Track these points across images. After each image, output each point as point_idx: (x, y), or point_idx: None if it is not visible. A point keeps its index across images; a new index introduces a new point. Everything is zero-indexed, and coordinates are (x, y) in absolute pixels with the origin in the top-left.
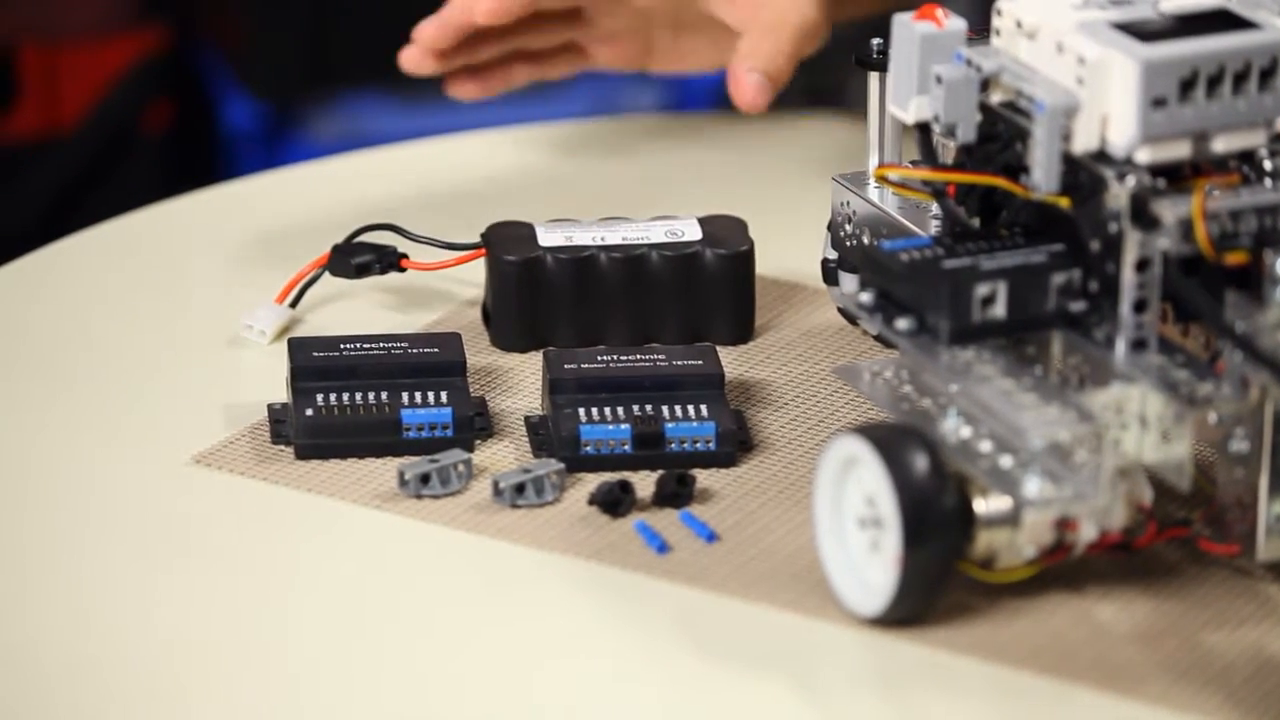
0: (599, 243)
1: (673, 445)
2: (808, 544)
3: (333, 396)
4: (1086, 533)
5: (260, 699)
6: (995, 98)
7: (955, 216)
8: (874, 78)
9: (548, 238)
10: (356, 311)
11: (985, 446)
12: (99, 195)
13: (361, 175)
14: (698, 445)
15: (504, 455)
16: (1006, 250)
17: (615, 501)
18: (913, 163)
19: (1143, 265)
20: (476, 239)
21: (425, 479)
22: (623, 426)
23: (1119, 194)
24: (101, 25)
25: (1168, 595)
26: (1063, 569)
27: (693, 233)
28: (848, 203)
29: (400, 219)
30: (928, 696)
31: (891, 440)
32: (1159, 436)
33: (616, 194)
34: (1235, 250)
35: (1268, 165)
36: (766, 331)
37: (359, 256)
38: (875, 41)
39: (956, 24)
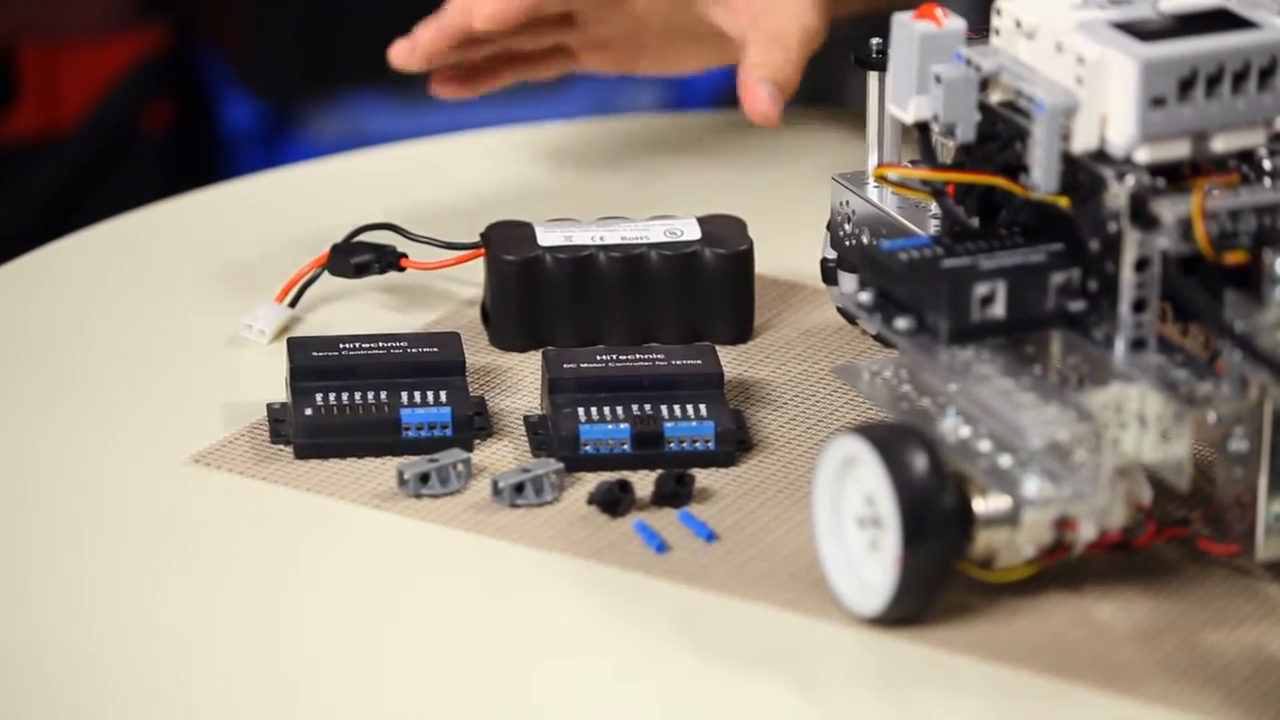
0: (598, 242)
1: (672, 445)
2: (807, 543)
3: (332, 396)
4: (1086, 532)
5: (260, 699)
6: (994, 97)
7: (954, 216)
8: (873, 77)
9: (547, 237)
10: (356, 311)
11: (984, 446)
12: (98, 195)
13: (361, 175)
14: (697, 445)
15: (503, 455)
16: (1006, 250)
17: (614, 501)
18: (912, 162)
19: (1142, 265)
20: (476, 238)
21: (424, 478)
22: (622, 426)
23: (1118, 193)
24: (101, 25)
25: (1167, 595)
26: (1062, 568)
27: (692, 232)
28: (847, 202)
29: (399, 218)
30: (927, 696)
31: (891, 440)
32: (1158, 436)
33: (616, 194)
34: (1234, 250)
35: (1267, 165)
36: (766, 331)
37: (358, 256)
38: (875, 41)
39: (956, 23)
